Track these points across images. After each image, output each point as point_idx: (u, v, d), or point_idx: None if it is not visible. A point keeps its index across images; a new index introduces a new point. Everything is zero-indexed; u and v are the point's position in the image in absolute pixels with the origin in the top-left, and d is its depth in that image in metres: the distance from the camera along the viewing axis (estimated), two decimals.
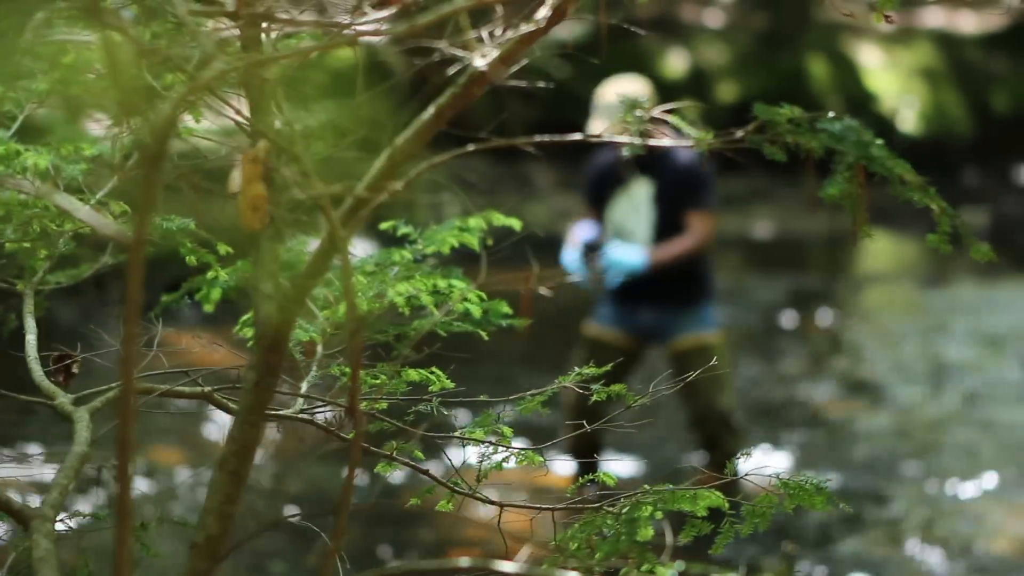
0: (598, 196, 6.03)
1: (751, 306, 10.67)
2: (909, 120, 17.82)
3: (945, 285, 11.74)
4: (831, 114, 1.28)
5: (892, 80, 18.09)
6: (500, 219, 2.02)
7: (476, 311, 1.89)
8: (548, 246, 14.06)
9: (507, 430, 1.75)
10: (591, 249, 5.79)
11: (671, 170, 5.88)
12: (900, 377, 8.40)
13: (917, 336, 9.64)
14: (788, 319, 10.18)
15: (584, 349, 6.02)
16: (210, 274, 1.86)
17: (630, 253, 5.76)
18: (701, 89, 17.37)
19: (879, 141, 1.25)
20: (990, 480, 6.29)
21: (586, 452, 6.27)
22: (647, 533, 1.90)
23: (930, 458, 6.63)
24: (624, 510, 1.82)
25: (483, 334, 1.92)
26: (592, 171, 6.08)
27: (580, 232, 5.87)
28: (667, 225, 5.87)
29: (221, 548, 1.31)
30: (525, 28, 1.21)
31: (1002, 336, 9.67)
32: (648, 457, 6.61)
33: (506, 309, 1.93)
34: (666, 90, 13.34)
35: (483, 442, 1.77)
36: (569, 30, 17.48)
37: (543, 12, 1.18)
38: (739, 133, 1.29)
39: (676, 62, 17.45)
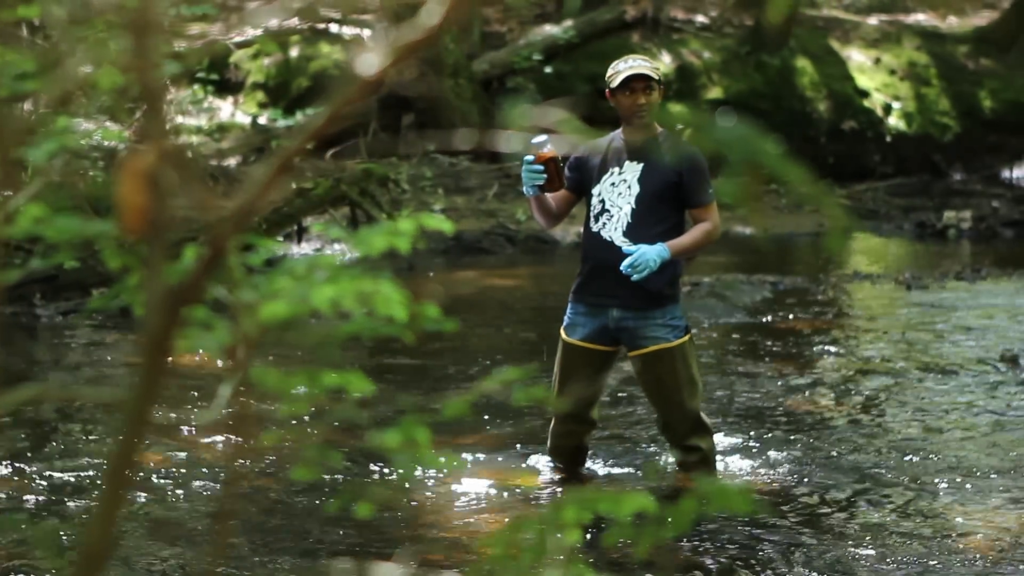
0: (579, 177, 6.00)
1: (736, 305, 10.67)
2: (896, 118, 17.82)
3: (929, 284, 11.74)
4: (726, 117, 1.27)
5: (879, 78, 18.09)
6: (432, 222, 2.00)
7: (400, 314, 1.88)
8: (529, 242, 13.97)
9: (421, 435, 1.74)
10: (539, 147, 5.73)
11: (666, 156, 5.86)
12: (882, 376, 8.39)
13: (900, 335, 9.64)
14: (772, 318, 10.18)
15: (563, 356, 6.02)
16: (133, 278, 1.85)
17: (654, 249, 5.74)
18: (689, 87, 17.37)
19: (772, 145, 1.25)
20: (969, 478, 6.29)
21: (571, 456, 6.27)
22: (574, 537, 1.89)
23: (911, 457, 6.62)
24: (547, 514, 1.81)
25: (407, 337, 1.91)
26: (583, 152, 6.04)
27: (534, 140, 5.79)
28: (649, 206, 5.85)
29: (105, 553, 1.30)
30: (411, 33, 1.20)
31: (981, 333, 9.68)
32: (627, 459, 6.60)
33: (435, 312, 1.92)
34: None
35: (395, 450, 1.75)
36: (560, 28, 17.49)
37: (432, 17, 1.18)
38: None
39: (663, 60, 17.44)
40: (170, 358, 1.31)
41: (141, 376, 1.26)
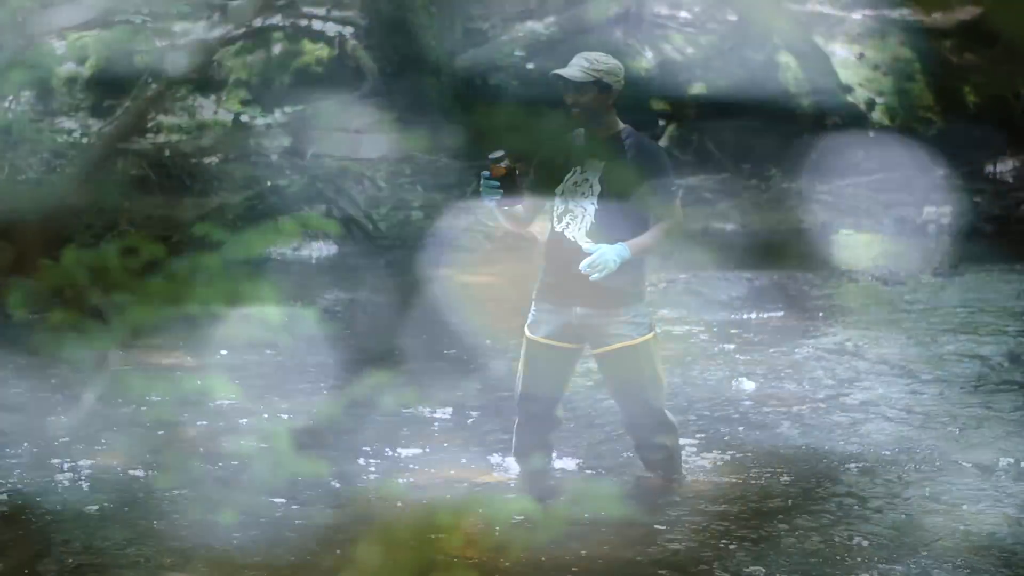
0: (542, 178, 6.00)
1: (712, 301, 10.67)
2: (879, 113, 17.82)
3: (906, 280, 11.73)
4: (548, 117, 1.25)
5: (863, 73, 18.09)
6: (318, 223, 1.99)
7: (275, 318, 1.86)
8: (507, 240, 13.97)
9: (280, 435, 1.72)
10: (495, 162, 5.79)
11: (628, 154, 5.85)
12: (857, 372, 8.39)
13: (875, 330, 9.63)
14: (748, 315, 10.18)
15: (527, 353, 6.02)
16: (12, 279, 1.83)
17: (613, 248, 5.75)
18: (671, 82, 17.36)
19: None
20: (944, 476, 6.29)
21: (536, 455, 6.25)
22: (455, 541, 1.87)
23: (884, 453, 6.63)
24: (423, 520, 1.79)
25: (284, 340, 1.90)
26: (545, 152, 6.04)
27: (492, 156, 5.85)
28: (612, 206, 5.85)
29: None
30: (219, 30, 1.18)
31: (956, 329, 9.67)
32: (595, 458, 6.60)
33: (312, 316, 1.91)
34: (636, 83, 13.29)
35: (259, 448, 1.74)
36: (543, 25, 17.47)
37: (242, 16, 1.15)
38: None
39: (647, 55, 17.43)
40: None
41: None
